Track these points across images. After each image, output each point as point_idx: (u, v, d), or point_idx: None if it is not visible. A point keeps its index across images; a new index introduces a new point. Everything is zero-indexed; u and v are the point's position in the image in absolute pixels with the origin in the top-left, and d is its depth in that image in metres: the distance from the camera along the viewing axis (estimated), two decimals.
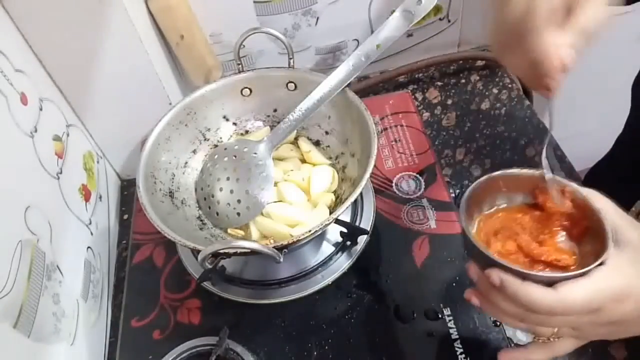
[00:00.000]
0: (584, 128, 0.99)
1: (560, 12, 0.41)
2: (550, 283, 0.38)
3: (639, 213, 0.56)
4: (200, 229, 0.64)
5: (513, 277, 0.39)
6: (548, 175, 0.45)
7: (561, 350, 0.43)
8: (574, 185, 0.44)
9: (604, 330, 0.40)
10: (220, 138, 0.72)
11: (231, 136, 0.72)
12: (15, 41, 0.62)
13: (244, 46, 0.67)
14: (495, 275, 0.39)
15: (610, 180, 0.66)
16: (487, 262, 0.40)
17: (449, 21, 0.91)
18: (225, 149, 0.67)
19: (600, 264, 0.38)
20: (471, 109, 0.87)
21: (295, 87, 0.69)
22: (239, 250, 0.51)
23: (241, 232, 0.65)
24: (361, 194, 0.60)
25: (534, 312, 0.39)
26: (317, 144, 0.71)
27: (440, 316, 0.59)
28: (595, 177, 0.73)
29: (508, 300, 0.40)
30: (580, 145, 0.78)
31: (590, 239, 0.43)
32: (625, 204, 0.56)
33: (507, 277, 0.39)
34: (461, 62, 0.92)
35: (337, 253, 0.65)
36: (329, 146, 0.70)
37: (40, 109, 0.63)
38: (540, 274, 0.40)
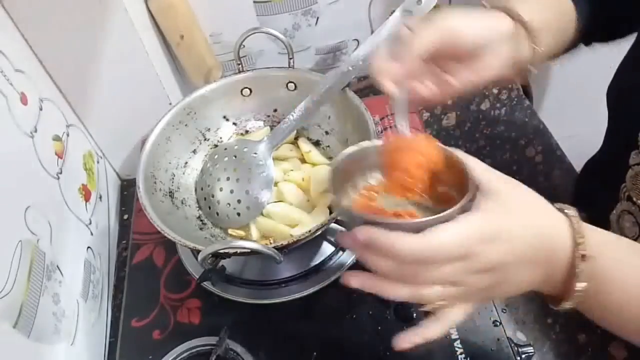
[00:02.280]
0: (584, 128, 0.99)
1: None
2: (419, 230, 0.38)
3: (620, 215, 0.56)
4: (200, 229, 0.64)
5: (381, 230, 0.38)
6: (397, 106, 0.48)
7: (452, 319, 0.42)
8: (438, 144, 0.44)
9: (485, 280, 0.40)
10: (220, 138, 0.72)
11: (231, 136, 0.72)
12: (15, 41, 0.62)
13: (244, 46, 0.67)
14: (363, 231, 0.38)
15: (599, 179, 0.66)
16: (355, 223, 0.40)
17: None
18: (225, 149, 0.67)
19: (464, 210, 0.38)
20: (471, 109, 0.87)
21: (295, 87, 0.69)
22: (239, 250, 0.51)
23: (241, 232, 0.64)
24: None
25: (406, 264, 0.38)
26: (317, 144, 0.71)
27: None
28: (586, 177, 0.74)
29: (380, 256, 0.39)
30: (580, 145, 0.78)
31: (459, 198, 0.42)
32: (608, 205, 0.57)
33: (372, 232, 0.38)
34: None
35: (337, 253, 0.65)
36: (329, 146, 0.70)
37: (40, 109, 0.63)
38: (405, 222, 0.39)
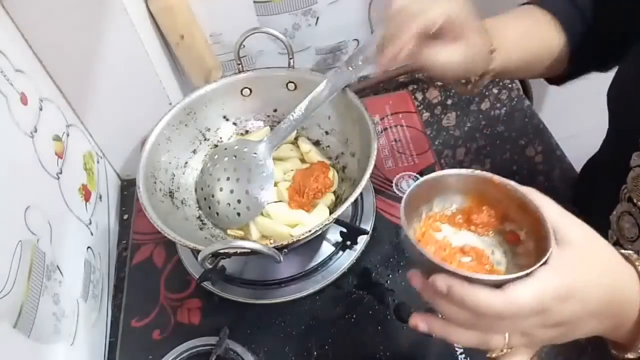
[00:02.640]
0: (584, 128, 0.99)
1: None
2: (497, 285, 0.37)
3: (620, 217, 0.56)
4: (200, 229, 0.64)
5: (459, 281, 0.38)
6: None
7: None
8: (512, 183, 0.43)
9: (553, 332, 0.40)
10: (220, 138, 0.72)
11: (231, 136, 0.72)
12: (15, 41, 0.62)
13: (244, 46, 0.67)
14: (441, 280, 0.38)
15: (598, 180, 0.66)
16: (431, 268, 0.39)
17: None
18: (225, 149, 0.67)
19: (544, 264, 0.38)
20: (471, 109, 0.87)
21: (295, 87, 0.69)
22: (239, 250, 0.51)
23: (241, 232, 0.65)
24: (361, 194, 0.60)
25: (482, 317, 0.38)
26: (317, 144, 0.71)
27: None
28: (585, 178, 0.74)
29: (456, 306, 0.39)
30: (580, 145, 0.78)
31: (528, 239, 0.42)
32: (608, 206, 0.57)
33: (453, 282, 0.38)
34: None
35: (337, 253, 0.65)
36: (329, 146, 0.70)
37: (40, 109, 0.63)
38: (486, 277, 0.38)
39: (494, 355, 0.43)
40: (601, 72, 0.63)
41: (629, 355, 0.42)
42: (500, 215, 0.45)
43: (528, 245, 0.43)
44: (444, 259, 0.42)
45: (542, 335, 0.40)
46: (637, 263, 0.41)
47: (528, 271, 0.38)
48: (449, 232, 0.45)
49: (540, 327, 0.39)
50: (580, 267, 0.39)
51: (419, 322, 0.42)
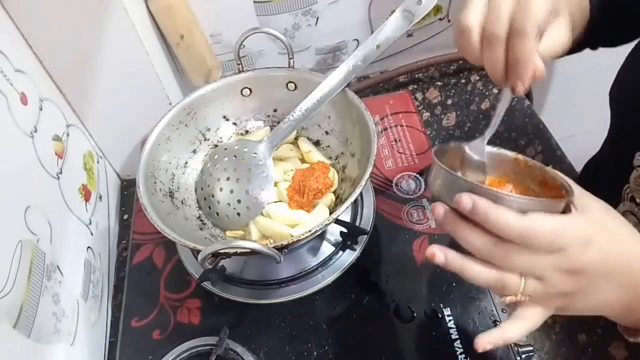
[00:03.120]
0: (584, 128, 0.99)
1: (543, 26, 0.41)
2: (521, 210, 0.38)
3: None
4: (200, 229, 0.64)
5: (485, 199, 0.38)
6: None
7: (531, 322, 0.42)
8: (534, 161, 0.44)
9: (568, 284, 0.40)
10: (220, 138, 0.72)
11: (231, 136, 0.72)
12: (15, 41, 0.62)
13: (244, 46, 0.67)
14: (467, 197, 0.38)
15: (600, 180, 0.66)
16: (456, 189, 0.39)
17: (449, 21, 0.91)
18: (225, 149, 0.67)
19: (567, 209, 0.39)
20: (471, 109, 0.87)
21: (295, 87, 0.69)
22: (239, 250, 0.51)
23: (241, 232, 0.65)
24: (361, 194, 0.60)
25: (501, 241, 0.38)
26: (317, 144, 0.71)
27: (440, 316, 0.59)
28: (586, 178, 0.74)
29: (476, 230, 0.39)
30: (580, 145, 0.78)
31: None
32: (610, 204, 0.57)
33: (478, 198, 0.37)
34: (461, 62, 0.92)
35: (337, 253, 0.65)
36: (329, 146, 0.70)
37: (40, 109, 0.63)
38: (513, 196, 0.38)
39: (508, 300, 0.42)
40: (611, 47, 0.59)
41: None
42: (521, 191, 0.45)
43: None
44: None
45: (558, 282, 0.39)
46: None
47: (554, 200, 0.38)
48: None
49: (557, 269, 0.39)
50: (606, 224, 0.40)
51: (437, 251, 0.41)
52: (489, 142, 0.46)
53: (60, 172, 0.64)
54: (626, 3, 0.55)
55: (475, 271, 0.40)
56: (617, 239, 0.40)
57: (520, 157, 0.45)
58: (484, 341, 0.41)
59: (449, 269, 0.41)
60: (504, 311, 0.62)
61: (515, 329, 0.42)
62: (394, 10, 0.58)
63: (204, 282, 0.63)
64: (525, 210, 0.38)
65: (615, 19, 0.55)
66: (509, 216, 0.37)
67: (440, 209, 0.41)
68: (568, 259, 0.38)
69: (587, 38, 0.55)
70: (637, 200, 0.53)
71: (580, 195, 0.40)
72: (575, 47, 0.56)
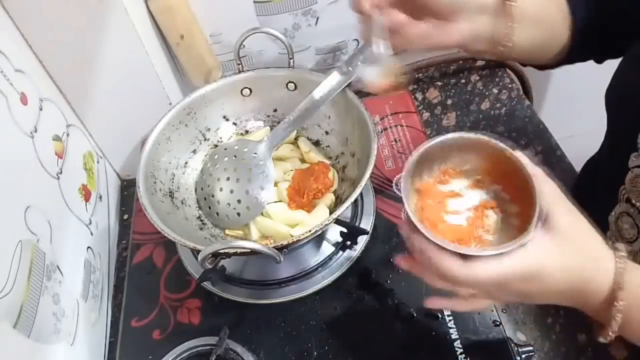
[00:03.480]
0: (584, 128, 0.99)
1: None
2: (463, 257, 0.41)
3: (618, 217, 0.56)
4: (200, 229, 0.64)
5: (431, 246, 0.42)
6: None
7: (478, 307, 0.49)
8: (525, 162, 0.44)
9: (515, 299, 0.44)
10: (220, 138, 0.72)
11: (231, 136, 0.72)
12: (15, 41, 0.62)
13: (244, 46, 0.67)
14: (417, 242, 0.43)
15: (598, 180, 0.66)
16: (415, 227, 0.43)
17: None
18: (225, 149, 0.67)
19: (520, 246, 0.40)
20: (471, 109, 0.87)
21: (295, 87, 0.69)
22: (239, 250, 0.51)
23: (241, 232, 0.65)
24: (361, 194, 0.60)
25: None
26: (317, 144, 0.71)
27: (440, 316, 0.59)
28: (585, 178, 0.74)
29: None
30: (580, 145, 0.78)
31: (521, 202, 0.45)
32: (607, 206, 0.57)
33: (426, 247, 0.42)
34: (461, 62, 0.92)
35: (337, 253, 0.65)
36: (329, 146, 0.70)
37: (40, 109, 0.63)
38: (454, 249, 0.41)
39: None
40: (597, 63, 0.61)
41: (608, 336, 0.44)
42: (508, 188, 0.47)
43: (523, 211, 0.45)
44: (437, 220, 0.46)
45: (504, 298, 0.46)
46: (617, 259, 0.42)
47: (499, 252, 0.40)
48: (461, 186, 0.49)
49: (501, 294, 0.43)
50: (554, 254, 0.41)
51: (402, 262, 0.48)
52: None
53: (60, 172, 0.64)
54: (612, 23, 0.56)
55: (431, 280, 0.46)
56: (571, 263, 0.41)
57: (484, 137, 0.47)
58: (434, 304, 0.50)
59: (414, 274, 0.48)
60: (504, 311, 0.62)
61: (463, 306, 0.48)
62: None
63: (204, 282, 0.63)
64: (468, 257, 0.41)
65: (601, 31, 0.56)
66: (448, 266, 0.41)
67: (405, 230, 0.46)
68: (510, 290, 0.42)
69: (573, 44, 0.57)
70: (633, 201, 0.53)
71: (550, 209, 0.41)
72: (557, 56, 0.59)
